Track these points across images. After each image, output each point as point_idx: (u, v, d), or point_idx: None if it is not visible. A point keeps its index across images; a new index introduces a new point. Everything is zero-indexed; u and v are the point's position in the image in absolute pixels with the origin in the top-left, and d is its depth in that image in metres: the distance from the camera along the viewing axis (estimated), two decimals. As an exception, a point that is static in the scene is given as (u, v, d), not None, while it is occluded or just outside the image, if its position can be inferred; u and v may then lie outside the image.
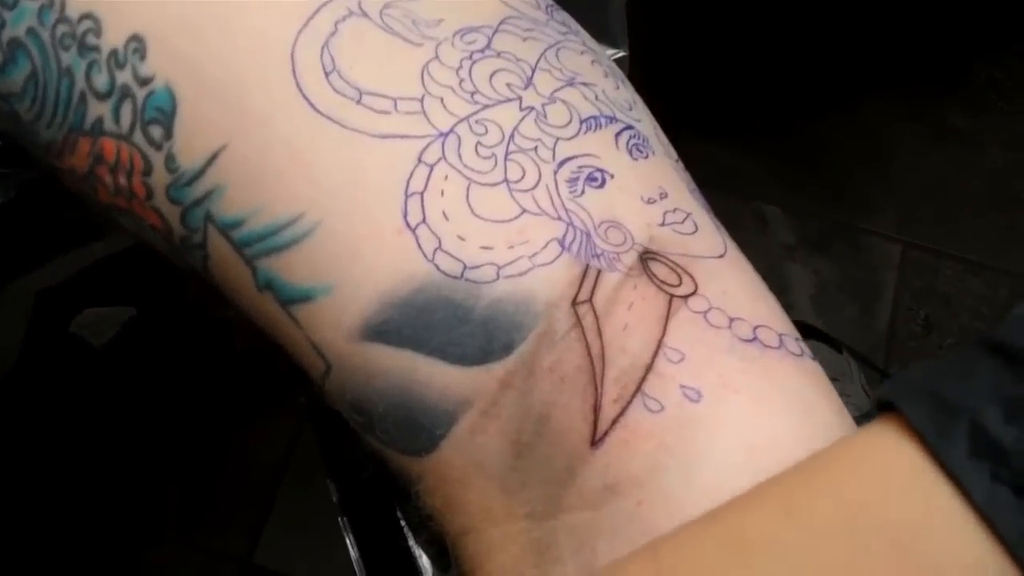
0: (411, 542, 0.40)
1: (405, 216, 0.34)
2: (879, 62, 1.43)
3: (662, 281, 0.34)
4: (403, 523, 0.40)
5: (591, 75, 0.38)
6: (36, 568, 1.09)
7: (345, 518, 0.43)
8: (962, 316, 1.31)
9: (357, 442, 0.37)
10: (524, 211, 0.34)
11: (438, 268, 0.34)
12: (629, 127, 0.38)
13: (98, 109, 0.36)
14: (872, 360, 1.28)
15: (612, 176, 0.36)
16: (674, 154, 0.40)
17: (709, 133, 1.37)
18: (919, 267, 1.33)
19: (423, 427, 0.34)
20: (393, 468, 0.36)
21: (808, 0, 1.43)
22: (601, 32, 0.59)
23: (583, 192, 0.35)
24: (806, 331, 1.42)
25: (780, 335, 0.35)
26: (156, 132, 0.36)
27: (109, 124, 0.36)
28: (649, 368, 0.33)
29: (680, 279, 0.34)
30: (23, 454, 1.06)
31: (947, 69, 1.44)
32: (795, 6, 1.42)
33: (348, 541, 0.42)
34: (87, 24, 0.36)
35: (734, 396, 0.33)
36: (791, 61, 1.42)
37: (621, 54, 0.60)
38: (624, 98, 0.39)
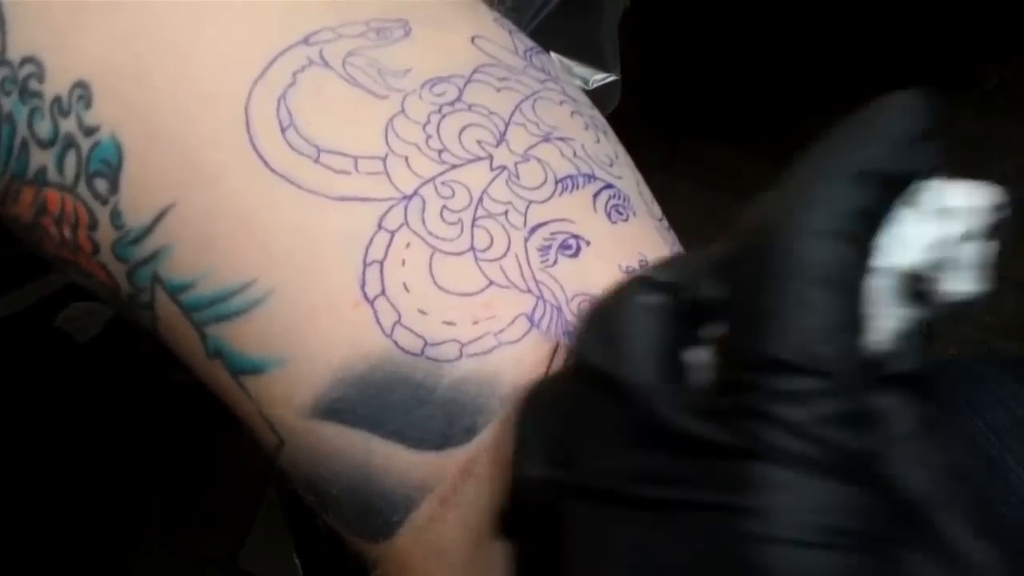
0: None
1: (363, 287, 0.32)
2: (886, 63, 1.40)
3: None
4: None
5: (569, 128, 0.36)
6: (17, 569, 1.08)
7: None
8: (966, 325, 1.29)
9: (315, 519, 0.35)
10: (491, 283, 0.32)
11: (397, 344, 0.32)
12: (608, 185, 0.35)
13: (41, 158, 0.34)
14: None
15: (588, 243, 0.34)
16: (657, 212, 0.37)
17: (710, 134, 1.34)
18: (923, 274, 1.31)
19: (379, 512, 0.32)
20: (349, 551, 0.34)
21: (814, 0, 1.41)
22: (594, 56, 0.56)
23: (555, 262, 0.33)
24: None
25: None
26: (101, 185, 0.34)
27: (52, 174, 0.34)
28: None
29: None
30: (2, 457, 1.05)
31: (956, 70, 1.41)
32: (800, 5, 1.39)
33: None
34: (29, 68, 0.34)
35: None
36: (796, 61, 1.39)
37: (612, 78, 0.58)
38: (605, 152, 0.37)
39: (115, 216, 0.34)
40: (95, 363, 1.11)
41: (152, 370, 1.14)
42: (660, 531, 0.22)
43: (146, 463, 1.13)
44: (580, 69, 0.55)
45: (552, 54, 0.54)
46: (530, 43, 0.39)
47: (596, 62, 0.56)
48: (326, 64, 0.34)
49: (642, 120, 0.61)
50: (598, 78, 0.56)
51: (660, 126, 1.32)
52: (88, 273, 0.36)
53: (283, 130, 0.33)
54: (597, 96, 0.56)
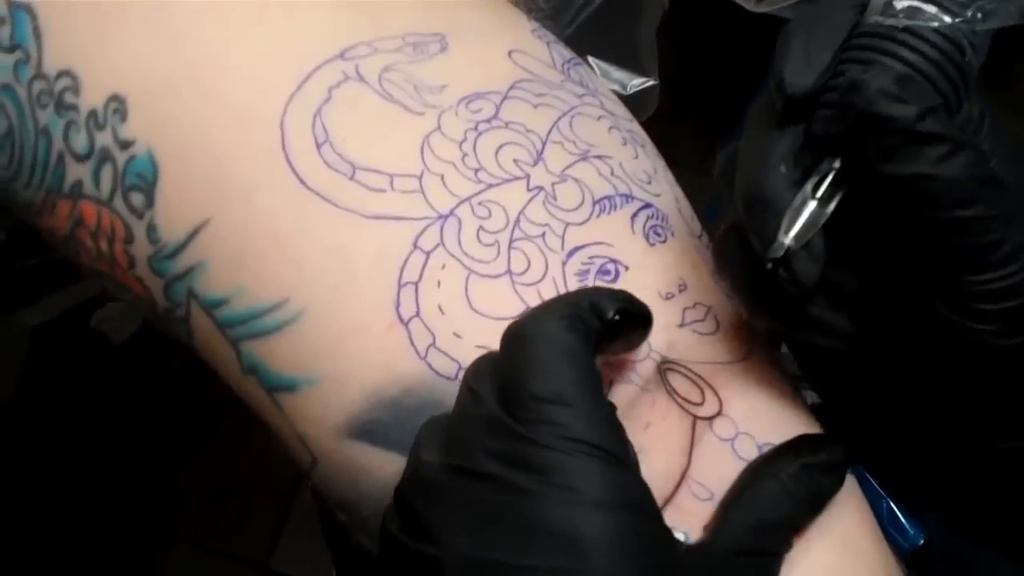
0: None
1: (397, 308, 0.32)
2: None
3: (684, 399, 0.32)
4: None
5: (607, 145, 0.35)
6: (52, 568, 1.08)
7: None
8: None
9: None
10: (528, 307, 0.32)
11: (431, 367, 0.31)
12: (647, 205, 0.35)
13: (77, 172, 0.34)
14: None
15: (627, 268, 0.33)
16: (697, 227, 0.37)
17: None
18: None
19: None
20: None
21: None
22: (632, 60, 0.56)
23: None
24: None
25: None
26: (137, 200, 0.33)
27: (88, 188, 0.34)
28: (669, 500, 0.30)
29: (703, 396, 0.32)
30: (36, 461, 1.05)
31: (992, 69, 1.39)
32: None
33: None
34: (65, 81, 0.34)
35: None
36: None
37: (650, 83, 0.57)
38: (643, 169, 0.36)
39: (151, 230, 0.33)
40: (131, 363, 1.11)
41: (186, 371, 1.14)
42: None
43: (180, 463, 1.14)
44: (618, 73, 0.55)
45: (590, 58, 0.54)
46: (568, 54, 0.39)
47: (634, 66, 0.55)
48: (362, 79, 0.33)
49: (677, 119, 0.60)
50: (636, 83, 0.55)
51: (695, 125, 1.31)
52: (124, 286, 0.36)
53: (319, 146, 0.32)
54: (635, 101, 0.55)
